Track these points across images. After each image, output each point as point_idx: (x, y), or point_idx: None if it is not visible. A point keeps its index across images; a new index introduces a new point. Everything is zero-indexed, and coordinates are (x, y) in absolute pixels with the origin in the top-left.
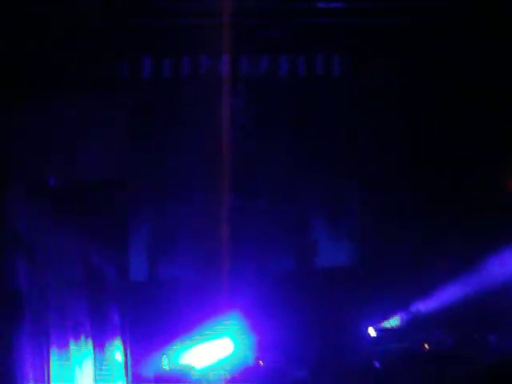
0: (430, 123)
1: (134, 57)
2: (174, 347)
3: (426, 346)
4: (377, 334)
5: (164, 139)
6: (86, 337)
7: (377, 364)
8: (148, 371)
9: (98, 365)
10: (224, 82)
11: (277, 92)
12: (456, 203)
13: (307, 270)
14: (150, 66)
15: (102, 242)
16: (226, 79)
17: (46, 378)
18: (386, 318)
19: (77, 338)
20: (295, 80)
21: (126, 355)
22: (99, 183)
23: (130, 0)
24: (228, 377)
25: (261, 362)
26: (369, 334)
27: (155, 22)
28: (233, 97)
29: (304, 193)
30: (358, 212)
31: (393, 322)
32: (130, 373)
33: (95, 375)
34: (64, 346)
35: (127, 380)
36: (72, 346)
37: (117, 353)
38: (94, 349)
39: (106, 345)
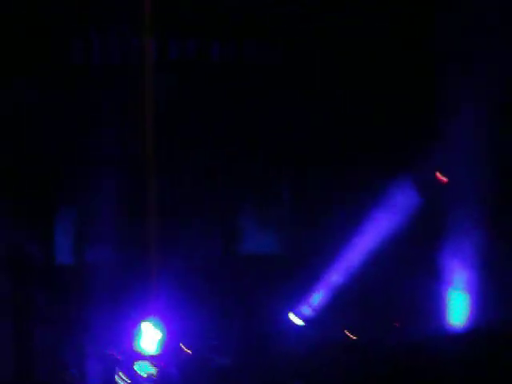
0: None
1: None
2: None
3: (348, 333)
4: (300, 322)
5: (89, 124)
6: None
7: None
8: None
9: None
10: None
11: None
12: None
13: (233, 256)
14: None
15: (28, 226)
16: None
17: None
18: (309, 305)
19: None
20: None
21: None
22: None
23: None
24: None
25: (187, 350)
26: (292, 321)
27: None
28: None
29: (234, 180)
30: (287, 200)
31: (315, 309)
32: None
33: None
34: None
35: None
36: None
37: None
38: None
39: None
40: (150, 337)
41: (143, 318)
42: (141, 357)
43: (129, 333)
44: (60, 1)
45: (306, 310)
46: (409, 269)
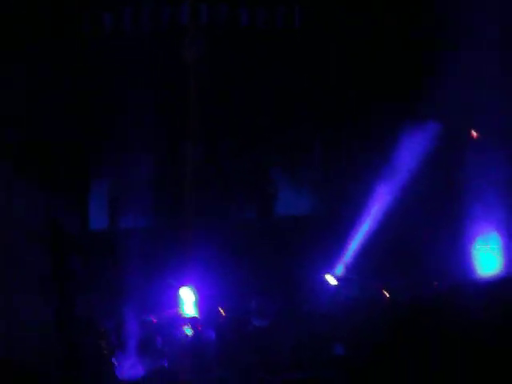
0: None
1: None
2: None
3: (386, 293)
4: (337, 283)
5: (124, 94)
6: (50, 287)
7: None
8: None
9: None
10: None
11: (237, 42)
12: None
13: (268, 219)
14: (108, 19)
15: (63, 193)
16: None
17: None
18: (344, 265)
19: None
20: (255, 31)
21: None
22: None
23: None
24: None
25: (222, 312)
26: (329, 283)
27: None
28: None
29: (264, 142)
30: (319, 161)
31: (350, 268)
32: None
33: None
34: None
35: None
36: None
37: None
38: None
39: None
40: (188, 301)
41: (181, 283)
42: (180, 321)
43: (167, 298)
44: None
45: (341, 270)
46: (438, 227)
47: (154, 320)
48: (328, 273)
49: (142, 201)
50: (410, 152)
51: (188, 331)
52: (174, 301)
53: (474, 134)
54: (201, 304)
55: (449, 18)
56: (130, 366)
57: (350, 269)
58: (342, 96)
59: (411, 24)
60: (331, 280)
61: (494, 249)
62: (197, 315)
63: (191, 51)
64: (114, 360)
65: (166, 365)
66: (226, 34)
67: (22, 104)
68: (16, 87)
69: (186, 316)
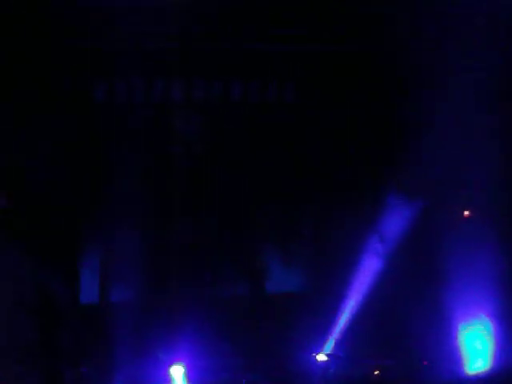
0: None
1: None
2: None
3: (377, 372)
4: (327, 360)
5: (114, 164)
6: (34, 359)
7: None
8: None
9: None
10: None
11: (230, 117)
12: None
13: (258, 295)
14: (102, 89)
15: (52, 265)
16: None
17: None
18: (335, 343)
19: (23, 360)
20: (248, 106)
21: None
22: (48, 207)
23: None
24: None
25: None
26: (319, 361)
27: (107, 45)
28: (186, 122)
29: (256, 218)
30: (310, 237)
31: (340, 346)
32: None
33: None
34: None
35: None
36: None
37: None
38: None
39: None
40: (177, 377)
41: (171, 358)
42: None
43: (156, 373)
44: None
45: (332, 347)
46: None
47: None
48: (319, 350)
49: (133, 275)
50: (398, 225)
51: None
52: (164, 376)
53: (466, 213)
54: (190, 380)
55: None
56: None
57: (340, 346)
58: (333, 170)
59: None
60: (321, 357)
61: (485, 336)
62: None
63: (185, 125)
64: None
65: None
66: (219, 109)
67: (14, 168)
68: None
69: None
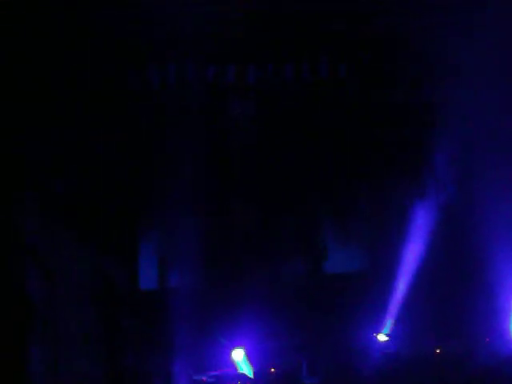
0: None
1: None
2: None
3: (438, 350)
4: (388, 340)
5: (173, 149)
6: (97, 344)
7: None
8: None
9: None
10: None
11: (283, 99)
12: None
13: (318, 275)
14: (156, 74)
15: (113, 251)
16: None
17: None
18: (393, 321)
19: (87, 344)
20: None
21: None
22: (109, 193)
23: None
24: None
25: (272, 369)
26: (379, 340)
27: (162, 31)
28: (240, 105)
29: (314, 198)
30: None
31: (400, 324)
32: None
33: None
34: (74, 355)
35: None
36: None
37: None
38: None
39: (118, 352)
40: (239, 360)
41: (231, 341)
42: (230, 380)
43: (217, 357)
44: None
45: (392, 327)
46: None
47: (204, 379)
48: (378, 330)
49: (192, 260)
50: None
51: None
52: (225, 360)
53: None
54: (251, 362)
55: None
56: None
57: (400, 325)
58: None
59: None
60: (382, 337)
61: None
62: (247, 374)
63: (238, 110)
64: None
65: None
66: (272, 91)
67: (74, 158)
68: (67, 139)
69: (237, 375)
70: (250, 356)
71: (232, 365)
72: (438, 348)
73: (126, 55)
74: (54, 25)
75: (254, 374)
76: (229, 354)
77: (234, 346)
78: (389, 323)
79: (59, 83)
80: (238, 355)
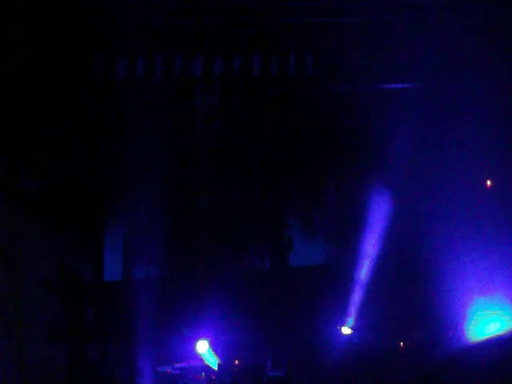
0: None
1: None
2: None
3: (402, 344)
4: (352, 333)
5: (137, 141)
6: (62, 338)
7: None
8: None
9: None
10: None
11: (250, 91)
12: None
13: (282, 269)
14: (122, 66)
15: (77, 243)
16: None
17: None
18: (357, 314)
19: (53, 340)
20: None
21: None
22: (73, 185)
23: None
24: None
25: (236, 361)
26: (343, 333)
27: (129, 21)
28: (207, 97)
29: (279, 191)
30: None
31: (363, 317)
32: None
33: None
34: (40, 346)
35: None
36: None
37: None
38: (70, 348)
39: (83, 345)
40: (203, 352)
41: (195, 333)
42: (194, 372)
43: (181, 349)
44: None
45: (355, 320)
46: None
47: (169, 371)
48: (342, 322)
49: (156, 251)
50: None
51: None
52: (189, 352)
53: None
54: (215, 354)
55: None
56: None
57: (363, 319)
58: (354, 141)
59: None
60: (345, 330)
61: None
62: (211, 365)
63: (204, 102)
64: None
65: None
66: (239, 84)
67: (37, 151)
68: (30, 134)
69: (201, 366)
70: (214, 348)
71: (196, 357)
72: (401, 341)
73: (92, 45)
74: (21, 12)
75: (219, 366)
76: (193, 346)
77: (198, 338)
78: (354, 316)
79: (23, 72)
80: (203, 347)
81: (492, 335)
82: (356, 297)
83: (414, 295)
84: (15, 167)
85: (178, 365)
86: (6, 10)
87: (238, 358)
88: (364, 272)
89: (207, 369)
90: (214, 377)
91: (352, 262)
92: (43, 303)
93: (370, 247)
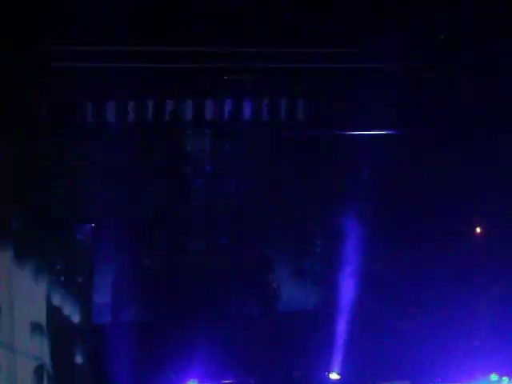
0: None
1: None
2: None
3: None
4: (339, 379)
5: (128, 184)
6: (49, 379)
7: None
8: None
9: None
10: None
11: (241, 136)
12: None
13: (269, 314)
14: (113, 109)
15: (65, 284)
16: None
17: None
18: (348, 362)
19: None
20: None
21: None
22: (61, 223)
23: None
24: None
25: None
26: (331, 379)
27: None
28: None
29: (267, 235)
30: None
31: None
32: None
33: None
34: None
35: None
36: None
37: None
38: None
39: None
40: None
41: (182, 377)
42: None
43: None
44: None
45: (343, 365)
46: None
47: None
48: (331, 369)
49: (144, 295)
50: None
51: None
52: None
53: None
54: None
55: None
56: None
57: (352, 365)
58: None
59: None
60: (333, 375)
61: None
62: None
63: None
64: None
65: None
66: (229, 128)
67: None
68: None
69: None
70: None
71: None
72: None
73: (83, 90)
74: None
75: None
76: None
77: (185, 382)
78: (342, 362)
79: None
80: None
81: None
82: (344, 342)
83: (404, 341)
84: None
85: None
86: None
87: None
88: (352, 317)
89: None
90: None
91: (340, 308)
92: (31, 344)
93: (358, 293)
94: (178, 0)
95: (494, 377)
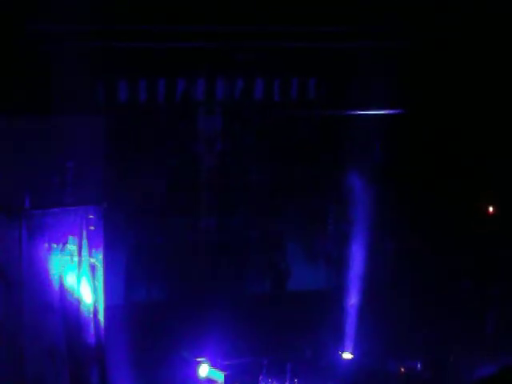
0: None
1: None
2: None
3: (402, 369)
4: (352, 358)
5: (139, 164)
6: (62, 360)
7: None
8: None
9: None
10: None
11: (253, 115)
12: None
13: (281, 292)
14: (125, 88)
15: (78, 264)
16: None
17: None
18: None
19: (53, 361)
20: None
21: (103, 378)
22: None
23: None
24: None
25: None
26: (344, 358)
27: (131, 44)
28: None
29: (280, 214)
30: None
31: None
32: None
33: None
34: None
35: None
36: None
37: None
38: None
39: (82, 368)
40: (203, 375)
41: (196, 356)
42: None
43: (182, 373)
44: None
45: (353, 344)
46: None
47: None
48: (343, 348)
49: (157, 274)
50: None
51: None
52: (190, 376)
53: None
54: (216, 378)
55: None
56: None
57: (364, 343)
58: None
59: None
60: (346, 355)
61: None
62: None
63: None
64: None
65: None
66: (240, 107)
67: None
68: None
69: None
70: (214, 370)
71: (197, 381)
72: (402, 367)
73: (95, 69)
74: None
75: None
76: (194, 370)
77: (199, 362)
78: (354, 341)
79: None
80: (204, 371)
81: None
82: (357, 321)
83: (416, 321)
84: (19, 189)
85: None
86: None
87: (239, 381)
88: (364, 296)
89: None
90: None
91: (352, 287)
92: (43, 325)
93: (370, 272)
94: None
95: None
